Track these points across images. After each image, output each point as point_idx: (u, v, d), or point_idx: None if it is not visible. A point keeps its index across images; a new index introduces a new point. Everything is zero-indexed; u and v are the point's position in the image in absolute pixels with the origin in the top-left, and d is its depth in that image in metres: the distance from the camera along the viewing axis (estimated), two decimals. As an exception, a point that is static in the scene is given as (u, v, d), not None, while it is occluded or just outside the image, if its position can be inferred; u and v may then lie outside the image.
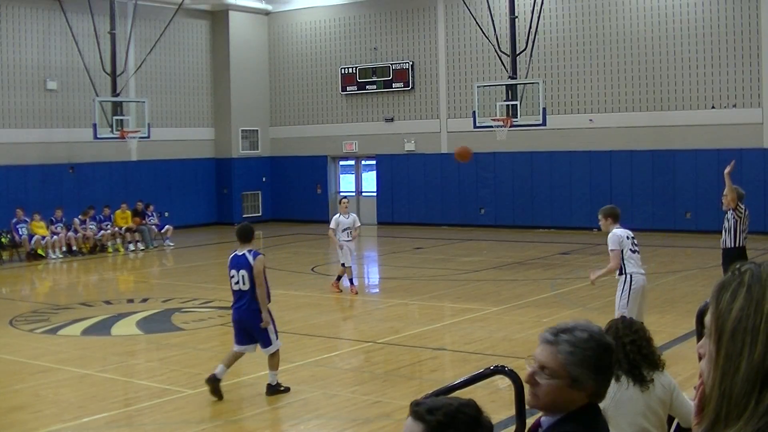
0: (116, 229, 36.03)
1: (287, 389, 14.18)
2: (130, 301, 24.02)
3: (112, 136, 36.21)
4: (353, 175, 44.86)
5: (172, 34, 40.65)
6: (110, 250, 35.59)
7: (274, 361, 14.20)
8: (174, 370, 16.09)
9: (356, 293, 23.92)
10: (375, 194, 43.29)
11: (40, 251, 33.63)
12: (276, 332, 14.40)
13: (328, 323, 20.28)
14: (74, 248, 34.76)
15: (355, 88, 42.97)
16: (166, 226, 37.39)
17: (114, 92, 37.00)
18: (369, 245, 38.96)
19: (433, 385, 7.57)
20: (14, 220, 33.78)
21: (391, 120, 42.12)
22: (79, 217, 35.46)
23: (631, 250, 14.41)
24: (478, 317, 19.90)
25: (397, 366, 16.05)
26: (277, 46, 45.91)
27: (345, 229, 23.94)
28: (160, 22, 39.18)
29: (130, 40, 38.20)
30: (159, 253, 35.79)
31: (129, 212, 36.84)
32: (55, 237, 34.11)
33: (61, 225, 34.62)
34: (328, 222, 42.81)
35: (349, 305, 23.33)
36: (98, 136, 35.74)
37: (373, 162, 43.45)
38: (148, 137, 37.42)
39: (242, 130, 45.21)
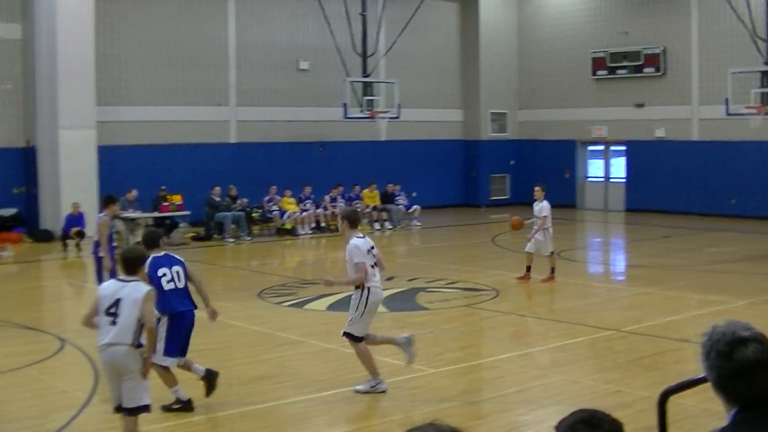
0: (365, 208, 36.61)
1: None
2: (376, 279, 24.35)
3: (362, 116, 36.76)
4: (602, 161, 44.28)
5: (422, 16, 40.83)
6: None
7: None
8: (417, 348, 16.25)
9: (522, 279, 23.45)
10: (624, 180, 42.70)
11: (289, 227, 34.51)
12: None
13: (571, 309, 20.11)
14: (323, 225, 35.51)
15: (606, 72, 42.40)
16: (414, 207, 37.74)
17: (364, 73, 37.52)
18: (616, 232, 38.59)
19: (675, 378, 7.45)
20: (266, 197, 34.79)
21: (642, 105, 41.41)
22: (330, 194, 36.26)
23: (371, 265, 13.59)
24: (723, 310, 19.41)
25: (639, 356, 15.82)
26: (526, 29, 45.74)
27: (535, 218, 23.42)
28: (410, 4, 39.46)
29: (381, 21, 38.68)
30: (406, 233, 36.19)
31: (377, 192, 37.39)
32: (304, 213, 34.94)
33: (311, 202, 35.45)
34: (574, 207, 42.88)
35: (593, 292, 23.12)
36: (348, 115, 36.33)
37: (623, 148, 42.79)
38: (398, 118, 37.85)
39: (491, 113, 45.31)
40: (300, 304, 20.73)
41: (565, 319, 18.87)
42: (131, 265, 10.48)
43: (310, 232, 34.83)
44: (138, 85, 35.74)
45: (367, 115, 36.75)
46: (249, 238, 33.16)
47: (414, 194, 39.77)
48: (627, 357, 15.69)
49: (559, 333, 17.53)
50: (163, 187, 33.31)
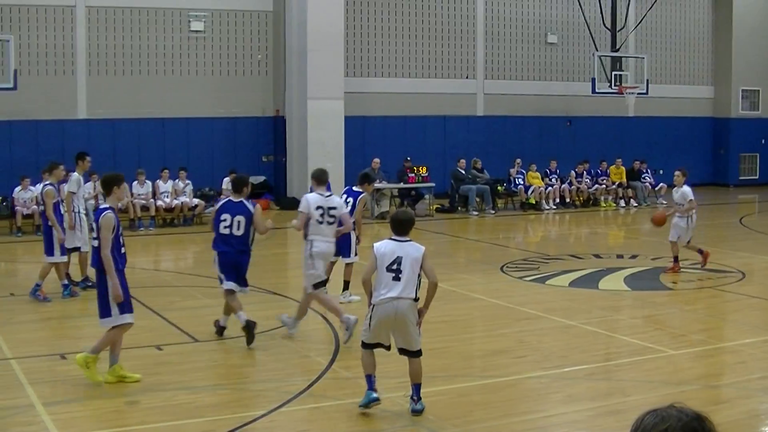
0: (611, 184, 36.29)
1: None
2: (620, 256, 24.17)
3: (610, 91, 36.46)
4: None
5: (675, -10, 40.18)
6: (603, 204, 35.89)
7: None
8: (657, 329, 16.06)
9: (671, 270, 21.80)
10: None
11: (533, 201, 34.48)
12: None
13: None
14: (567, 200, 35.37)
15: None
16: (661, 184, 37.16)
17: (613, 47, 37.14)
18: None
19: None
20: (513, 169, 34.86)
21: None
22: (575, 169, 36.06)
23: (317, 221, 14.79)
24: None
25: None
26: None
27: (678, 205, 22.02)
28: (664, -22, 38.90)
29: (632, -5, 38.26)
30: (652, 211, 35.63)
31: (623, 168, 36.99)
32: (549, 188, 34.85)
33: (556, 177, 35.34)
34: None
35: None
36: (596, 90, 36.07)
37: None
38: (646, 94, 37.34)
39: (743, 90, 44.13)
40: (542, 279, 20.73)
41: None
42: (403, 226, 11.30)
43: (555, 207, 34.75)
44: (385, 57, 36.27)
45: (616, 91, 36.41)
46: (493, 212, 33.30)
47: (661, 172, 39.09)
48: None
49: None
50: (408, 158, 33.70)
